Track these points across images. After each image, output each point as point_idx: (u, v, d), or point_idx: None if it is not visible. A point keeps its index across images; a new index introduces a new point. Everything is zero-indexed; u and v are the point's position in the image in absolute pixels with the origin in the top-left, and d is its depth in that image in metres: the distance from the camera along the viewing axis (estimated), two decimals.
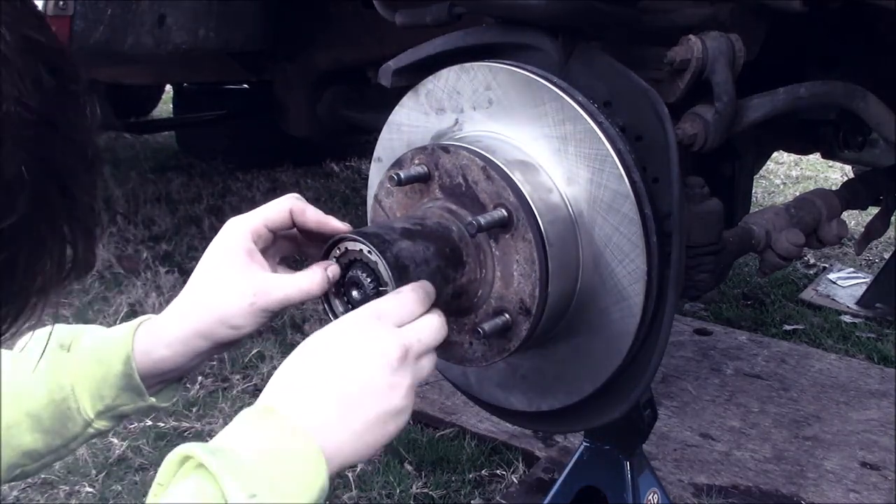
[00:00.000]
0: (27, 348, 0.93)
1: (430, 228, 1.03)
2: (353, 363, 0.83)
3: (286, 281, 0.96)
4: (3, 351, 0.98)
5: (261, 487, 0.72)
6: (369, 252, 0.95)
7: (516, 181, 1.03)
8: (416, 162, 1.09)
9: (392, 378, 0.84)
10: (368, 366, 0.83)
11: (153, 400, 1.01)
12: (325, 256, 0.99)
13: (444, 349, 1.09)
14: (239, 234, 0.99)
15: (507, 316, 1.04)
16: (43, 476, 2.17)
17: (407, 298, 0.90)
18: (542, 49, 1.15)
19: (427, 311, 0.91)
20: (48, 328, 0.93)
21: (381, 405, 0.83)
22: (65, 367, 0.98)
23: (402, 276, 0.95)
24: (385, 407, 0.83)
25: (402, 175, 1.06)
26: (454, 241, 1.03)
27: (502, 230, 1.03)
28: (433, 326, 0.90)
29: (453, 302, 1.04)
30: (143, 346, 0.99)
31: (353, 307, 0.96)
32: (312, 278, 0.96)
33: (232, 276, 0.97)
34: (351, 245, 0.97)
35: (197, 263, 1.01)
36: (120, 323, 1.04)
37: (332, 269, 0.97)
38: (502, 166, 1.04)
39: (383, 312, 0.88)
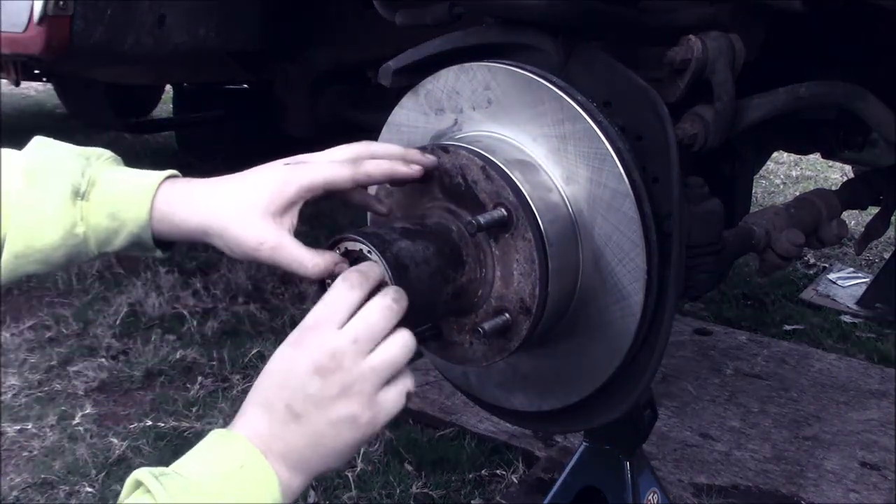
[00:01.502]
0: (42, 180, 0.96)
1: (430, 228, 1.03)
2: (290, 375, 0.85)
3: (294, 251, 0.96)
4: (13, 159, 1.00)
5: (195, 497, 0.77)
6: (369, 252, 0.95)
7: (516, 180, 1.03)
8: None
9: (327, 385, 0.84)
10: (301, 375, 0.84)
11: (159, 252, 1.03)
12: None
13: (444, 350, 1.09)
14: (289, 188, 0.97)
15: (507, 315, 1.04)
16: (43, 476, 2.17)
17: (339, 294, 0.88)
18: (542, 49, 1.15)
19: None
20: (61, 156, 0.99)
21: (326, 412, 0.84)
22: (80, 215, 0.99)
23: (402, 276, 0.94)
24: (330, 413, 0.84)
25: None
26: (454, 241, 1.03)
27: (502, 229, 1.03)
28: (373, 318, 0.87)
29: (453, 302, 1.04)
30: (160, 213, 1.00)
31: None
32: (315, 260, 0.95)
33: (254, 217, 0.96)
34: (351, 245, 0.97)
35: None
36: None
37: (340, 266, 0.96)
38: (502, 166, 1.04)
39: (319, 318, 0.87)
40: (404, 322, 0.90)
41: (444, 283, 1.00)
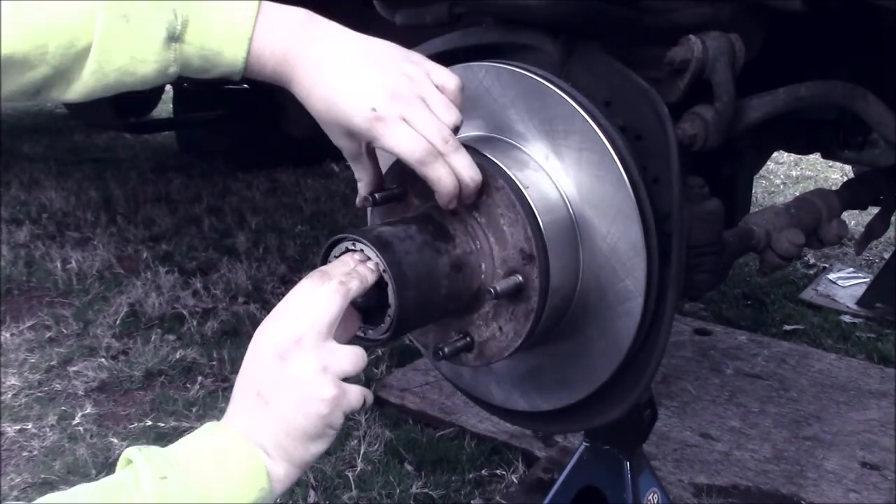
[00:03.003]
0: (137, 21, 0.92)
1: (410, 216, 1.06)
2: (256, 364, 0.91)
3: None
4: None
5: (172, 471, 0.81)
6: (353, 244, 0.98)
7: (486, 153, 1.05)
8: None
9: (289, 366, 0.88)
10: (265, 361, 0.89)
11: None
12: (325, 258, 1.00)
13: (482, 354, 1.09)
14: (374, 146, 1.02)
15: (518, 277, 1.03)
16: (43, 476, 2.17)
17: (297, 289, 0.93)
18: (543, 49, 1.15)
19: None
20: (159, 2, 0.94)
21: (291, 391, 0.88)
22: (174, 57, 0.96)
23: (387, 250, 0.96)
24: (297, 391, 0.88)
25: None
26: (435, 218, 1.05)
27: (480, 197, 1.03)
28: (323, 302, 0.90)
29: (456, 274, 1.03)
30: (254, 65, 0.99)
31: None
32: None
33: (344, 136, 1.01)
34: (350, 245, 0.98)
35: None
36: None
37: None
38: (494, 160, 1.05)
39: (278, 310, 0.92)
40: (409, 293, 0.95)
41: (436, 254, 1.01)
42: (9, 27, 0.88)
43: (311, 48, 0.98)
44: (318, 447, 0.90)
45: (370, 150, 1.04)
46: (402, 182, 1.09)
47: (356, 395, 0.92)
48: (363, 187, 1.08)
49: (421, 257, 0.99)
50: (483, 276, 1.06)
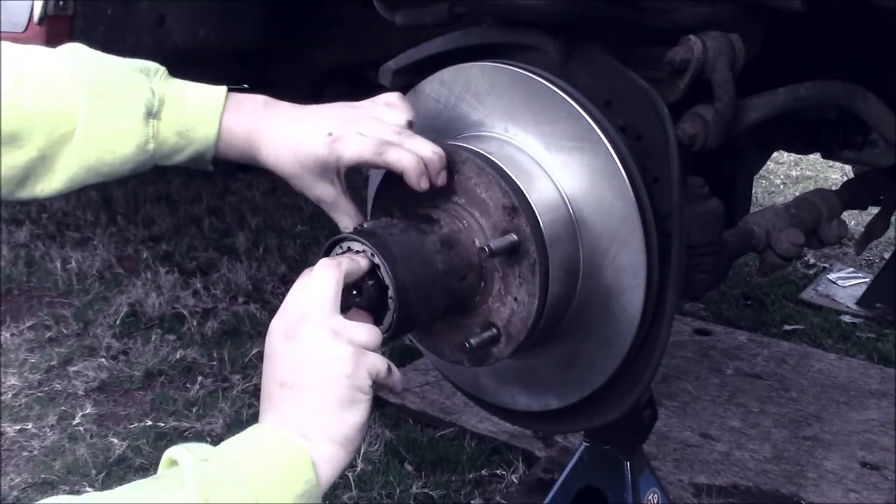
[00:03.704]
0: (116, 98, 1.02)
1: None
2: (270, 354, 0.91)
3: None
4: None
5: (213, 455, 0.80)
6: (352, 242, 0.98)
7: (530, 202, 1.05)
8: None
9: (298, 343, 0.88)
10: (277, 348, 0.90)
11: (210, 167, 1.11)
12: (326, 255, 0.99)
13: (508, 332, 1.08)
14: (332, 159, 1.06)
15: (511, 235, 1.03)
16: (43, 476, 2.17)
17: (297, 283, 0.93)
18: (542, 49, 1.15)
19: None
20: (125, 71, 1.06)
21: (311, 363, 0.87)
22: (152, 133, 1.05)
23: (372, 236, 0.97)
24: (315, 361, 0.87)
25: None
26: (418, 212, 1.07)
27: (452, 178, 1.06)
28: (317, 280, 0.91)
29: (450, 253, 1.03)
30: (226, 137, 1.08)
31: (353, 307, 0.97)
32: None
33: (311, 178, 1.09)
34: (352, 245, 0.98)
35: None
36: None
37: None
38: (512, 177, 1.05)
39: (283, 306, 0.93)
40: (401, 268, 0.95)
41: (421, 234, 1.02)
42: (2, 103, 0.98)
43: (271, 119, 1.08)
44: (355, 416, 0.87)
45: (345, 188, 1.10)
46: (388, 211, 1.11)
47: (379, 357, 0.90)
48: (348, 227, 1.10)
49: (406, 237, 1.00)
50: (478, 250, 1.06)
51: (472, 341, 1.04)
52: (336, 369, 0.86)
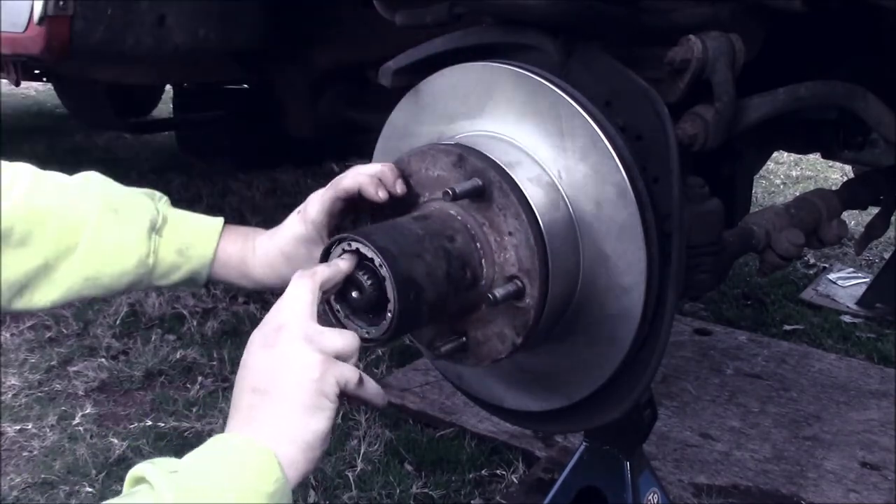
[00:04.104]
0: (128, 214, 1.13)
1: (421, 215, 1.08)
2: (246, 362, 0.91)
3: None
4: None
5: (181, 466, 0.80)
6: (349, 244, 0.97)
7: (496, 160, 1.05)
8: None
9: (276, 350, 0.89)
10: (254, 356, 0.91)
11: (203, 288, 1.16)
12: (325, 257, 0.99)
13: (478, 355, 1.08)
14: (302, 253, 1.16)
15: (517, 283, 1.03)
16: (43, 476, 2.17)
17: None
18: (542, 49, 1.15)
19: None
20: (135, 192, 1.19)
21: (284, 371, 0.88)
22: (153, 248, 1.15)
23: (373, 237, 0.97)
24: (288, 368, 0.87)
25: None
26: (433, 215, 1.06)
27: (479, 197, 1.04)
28: (295, 290, 0.92)
29: (457, 269, 1.02)
30: (222, 254, 1.18)
31: (353, 308, 0.98)
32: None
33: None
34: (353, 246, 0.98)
35: None
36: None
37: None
38: (500, 163, 1.05)
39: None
40: (400, 263, 0.95)
41: (413, 221, 1.03)
42: (16, 204, 1.06)
43: (259, 237, 1.20)
44: (319, 423, 0.87)
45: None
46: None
47: (350, 368, 0.90)
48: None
49: (412, 244, 0.99)
50: (484, 275, 1.05)
51: (441, 348, 1.06)
52: (304, 374, 0.87)
